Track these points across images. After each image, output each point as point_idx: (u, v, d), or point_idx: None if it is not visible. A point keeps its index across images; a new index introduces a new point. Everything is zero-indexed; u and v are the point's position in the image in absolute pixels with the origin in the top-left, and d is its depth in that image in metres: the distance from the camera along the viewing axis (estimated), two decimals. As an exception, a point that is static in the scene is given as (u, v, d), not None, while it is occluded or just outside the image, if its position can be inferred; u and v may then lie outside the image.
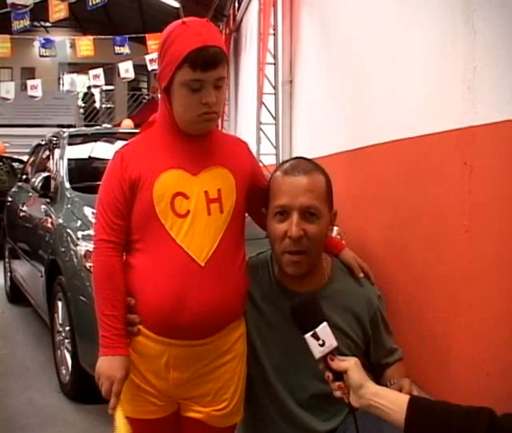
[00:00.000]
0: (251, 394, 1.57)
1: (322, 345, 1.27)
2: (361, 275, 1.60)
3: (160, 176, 1.44)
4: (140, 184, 1.44)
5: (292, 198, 1.45)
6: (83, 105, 18.51)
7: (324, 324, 1.28)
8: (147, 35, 11.86)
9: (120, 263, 1.47)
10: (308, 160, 1.56)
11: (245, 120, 9.48)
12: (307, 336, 1.28)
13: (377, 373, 1.61)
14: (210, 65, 1.38)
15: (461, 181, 2.66)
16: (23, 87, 13.15)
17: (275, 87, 6.80)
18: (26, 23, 9.76)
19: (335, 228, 3.51)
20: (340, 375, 1.26)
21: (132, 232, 1.48)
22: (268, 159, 6.46)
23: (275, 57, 6.75)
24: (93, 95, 18.61)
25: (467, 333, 2.65)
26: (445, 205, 2.84)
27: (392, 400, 1.21)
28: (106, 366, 1.42)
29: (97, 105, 19.50)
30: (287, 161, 1.58)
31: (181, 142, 1.48)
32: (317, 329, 1.27)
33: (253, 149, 6.66)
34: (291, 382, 1.53)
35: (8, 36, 10.58)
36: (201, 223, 1.43)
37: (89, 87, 17.78)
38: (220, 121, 11.75)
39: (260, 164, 6.33)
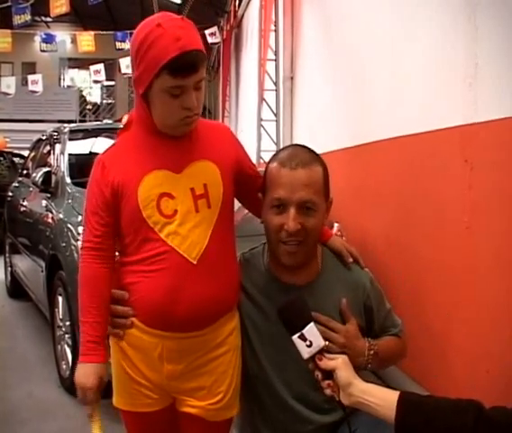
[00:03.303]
0: (248, 386, 1.57)
1: (309, 346, 1.28)
2: (351, 260, 1.60)
3: (143, 180, 1.42)
4: (123, 190, 1.43)
5: (290, 192, 1.43)
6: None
7: (311, 324, 1.29)
8: (148, 31, 11.81)
9: (104, 272, 1.47)
10: (306, 148, 1.54)
11: (246, 116, 9.47)
12: (294, 337, 1.29)
13: None
14: (190, 70, 1.34)
15: (462, 178, 2.65)
16: (24, 82, 13.14)
17: (276, 84, 6.79)
18: (27, 17, 9.76)
19: (336, 225, 3.52)
20: (329, 374, 1.27)
21: (123, 236, 1.48)
22: (268, 155, 6.44)
23: (276, 53, 6.75)
24: (83, 96, 18.71)
25: (467, 329, 2.65)
26: (446, 202, 2.84)
27: (381, 397, 1.22)
28: (80, 374, 1.44)
29: (98, 100, 19.55)
30: (284, 149, 1.56)
31: (161, 142, 1.45)
32: (304, 330, 1.28)
33: (254, 145, 6.67)
34: (287, 375, 1.52)
35: (9, 31, 10.58)
36: (190, 221, 1.42)
37: (81, 90, 17.94)
38: (221, 117, 11.75)
39: (261, 161, 6.36)
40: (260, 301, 1.56)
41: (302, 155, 1.48)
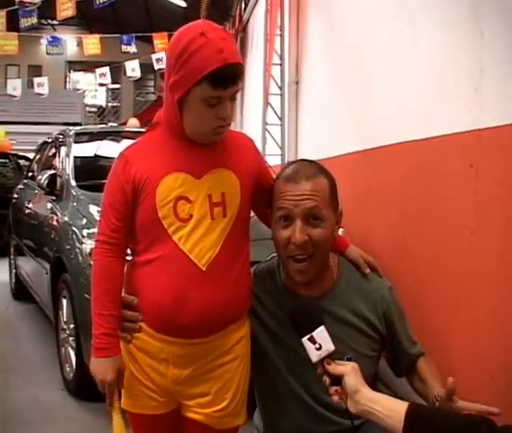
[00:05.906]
0: (271, 392, 1.58)
1: (319, 349, 1.27)
2: (368, 271, 1.59)
3: (162, 179, 1.43)
4: (143, 187, 1.44)
5: (295, 203, 1.45)
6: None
7: (322, 327, 1.28)
8: (154, 34, 11.88)
9: (118, 266, 1.48)
10: (311, 162, 1.55)
11: (251, 120, 9.47)
12: (304, 339, 1.28)
13: (403, 365, 1.62)
14: (230, 82, 1.36)
15: (466, 184, 2.65)
16: (30, 85, 13.17)
17: (281, 88, 6.79)
18: (34, 20, 9.79)
19: (341, 230, 3.51)
20: (338, 380, 1.26)
21: (137, 235, 1.48)
22: (273, 159, 6.45)
23: (281, 57, 6.75)
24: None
25: (472, 335, 2.64)
26: (451, 207, 2.83)
27: (388, 407, 1.19)
28: (98, 368, 1.46)
29: (103, 103, 19.61)
30: (289, 165, 1.57)
31: (186, 146, 1.46)
32: (314, 333, 1.27)
33: (259, 149, 6.67)
34: (307, 381, 1.52)
35: (16, 34, 10.60)
36: (203, 228, 1.43)
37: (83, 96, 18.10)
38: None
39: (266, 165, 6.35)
40: (274, 311, 1.57)
41: (306, 169, 1.50)
